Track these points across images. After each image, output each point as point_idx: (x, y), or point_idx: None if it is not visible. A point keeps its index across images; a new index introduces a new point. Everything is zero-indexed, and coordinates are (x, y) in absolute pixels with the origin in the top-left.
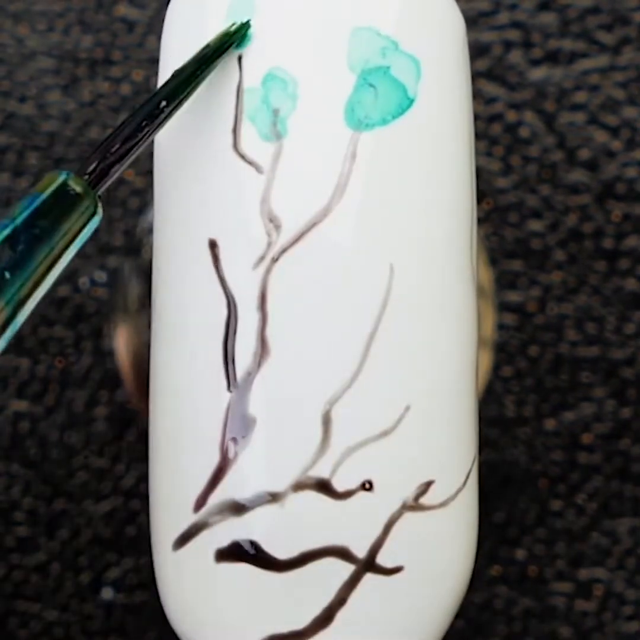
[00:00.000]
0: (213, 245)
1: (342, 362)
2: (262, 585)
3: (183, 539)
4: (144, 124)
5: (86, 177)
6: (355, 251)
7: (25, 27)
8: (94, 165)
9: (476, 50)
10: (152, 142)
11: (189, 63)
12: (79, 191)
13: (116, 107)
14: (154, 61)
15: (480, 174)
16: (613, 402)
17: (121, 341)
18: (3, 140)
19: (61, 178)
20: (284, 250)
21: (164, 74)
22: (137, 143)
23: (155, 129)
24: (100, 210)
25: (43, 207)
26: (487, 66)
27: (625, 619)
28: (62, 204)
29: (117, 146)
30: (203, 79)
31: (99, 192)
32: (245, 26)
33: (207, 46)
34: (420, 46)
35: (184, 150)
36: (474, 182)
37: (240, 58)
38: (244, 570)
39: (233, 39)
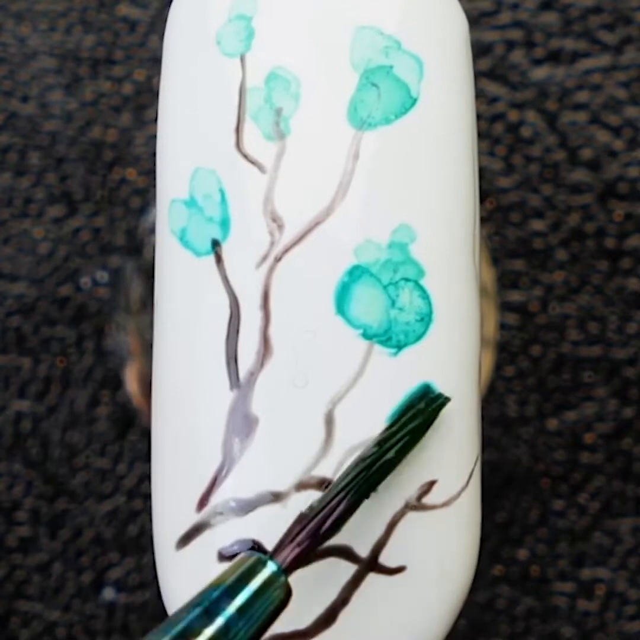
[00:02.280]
0: (216, 244)
1: (345, 361)
2: None
3: (185, 539)
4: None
5: (282, 562)
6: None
7: (27, 26)
8: (295, 552)
9: (478, 50)
10: (154, 140)
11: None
12: (279, 579)
13: (118, 106)
14: (156, 60)
15: (483, 174)
16: (615, 401)
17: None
18: (5, 139)
19: (269, 570)
20: (286, 250)
21: (166, 74)
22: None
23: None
24: (290, 597)
25: (252, 599)
26: (489, 66)
27: (628, 619)
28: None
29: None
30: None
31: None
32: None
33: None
34: (423, 45)
35: (186, 150)
36: (477, 182)
37: (242, 58)
38: None
39: (433, 415)
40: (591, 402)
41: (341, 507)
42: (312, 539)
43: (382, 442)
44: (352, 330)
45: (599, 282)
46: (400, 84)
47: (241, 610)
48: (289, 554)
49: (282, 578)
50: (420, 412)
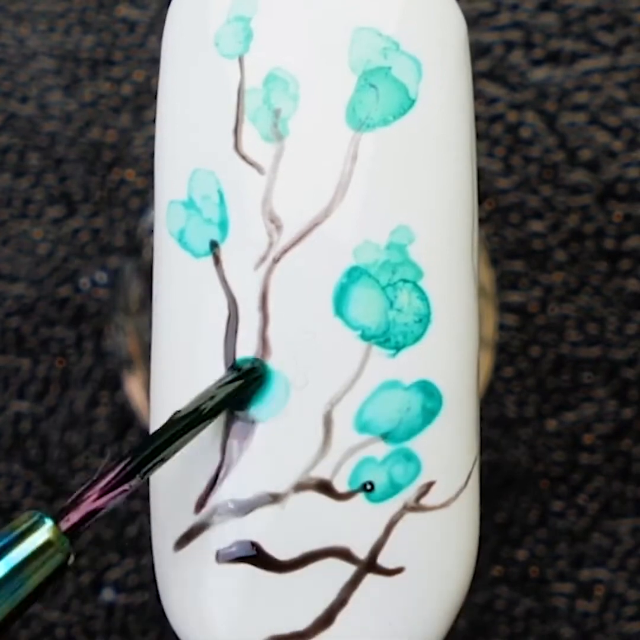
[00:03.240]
0: (214, 245)
1: (344, 362)
2: (263, 586)
3: (184, 540)
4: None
5: (64, 524)
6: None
7: (27, 27)
8: (75, 516)
9: (477, 51)
10: (154, 141)
11: (186, 418)
12: (55, 543)
13: (117, 107)
14: (155, 61)
15: (482, 175)
16: (614, 402)
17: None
18: (4, 140)
19: (41, 529)
20: (285, 251)
21: (165, 75)
22: (120, 492)
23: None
24: (71, 559)
25: (23, 561)
26: (488, 66)
27: (627, 620)
28: (37, 555)
29: (99, 496)
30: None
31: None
32: (253, 373)
33: (211, 398)
34: (422, 47)
35: (185, 151)
36: (476, 183)
37: (241, 59)
38: (244, 571)
39: (242, 393)
40: (590, 403)
41: (128, 469)
42: (94, 503)
43: (199, 407)
44: (350, 332)
45: (598, 283)
46: (398, 85)
47: (14, 570)
48: (71, 517)
49: (63, 540)
50: (234, 380)
